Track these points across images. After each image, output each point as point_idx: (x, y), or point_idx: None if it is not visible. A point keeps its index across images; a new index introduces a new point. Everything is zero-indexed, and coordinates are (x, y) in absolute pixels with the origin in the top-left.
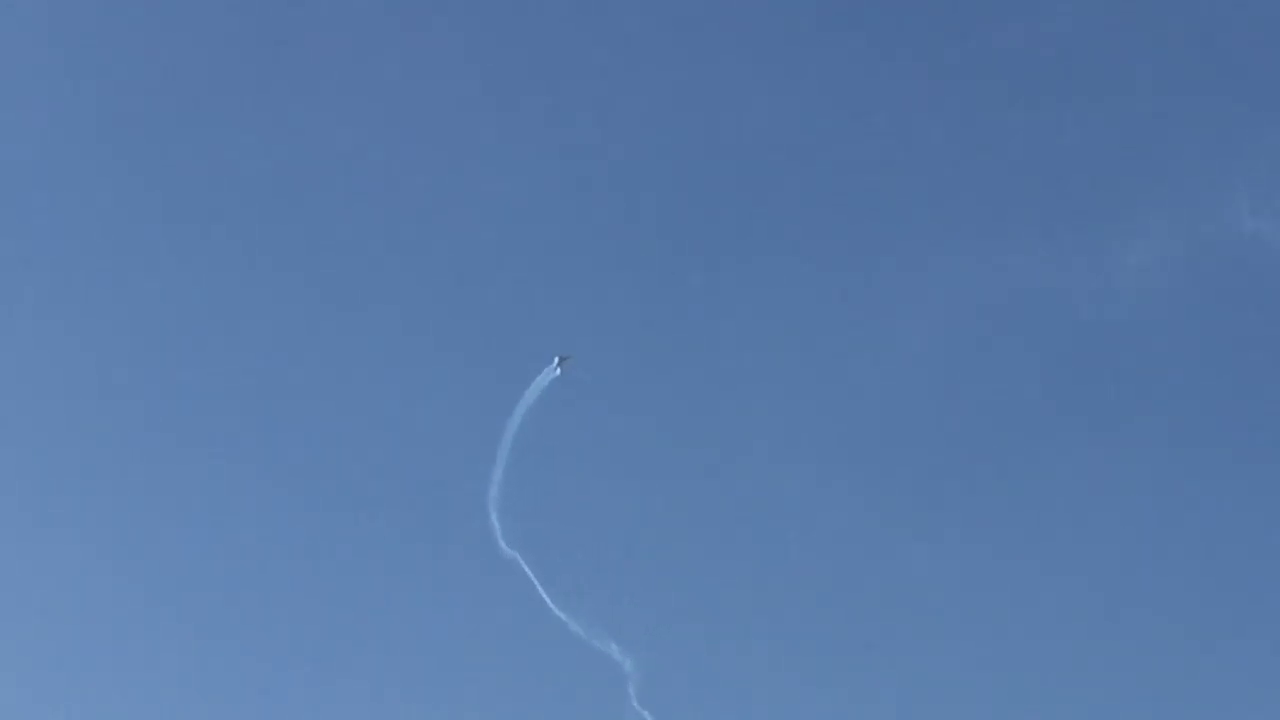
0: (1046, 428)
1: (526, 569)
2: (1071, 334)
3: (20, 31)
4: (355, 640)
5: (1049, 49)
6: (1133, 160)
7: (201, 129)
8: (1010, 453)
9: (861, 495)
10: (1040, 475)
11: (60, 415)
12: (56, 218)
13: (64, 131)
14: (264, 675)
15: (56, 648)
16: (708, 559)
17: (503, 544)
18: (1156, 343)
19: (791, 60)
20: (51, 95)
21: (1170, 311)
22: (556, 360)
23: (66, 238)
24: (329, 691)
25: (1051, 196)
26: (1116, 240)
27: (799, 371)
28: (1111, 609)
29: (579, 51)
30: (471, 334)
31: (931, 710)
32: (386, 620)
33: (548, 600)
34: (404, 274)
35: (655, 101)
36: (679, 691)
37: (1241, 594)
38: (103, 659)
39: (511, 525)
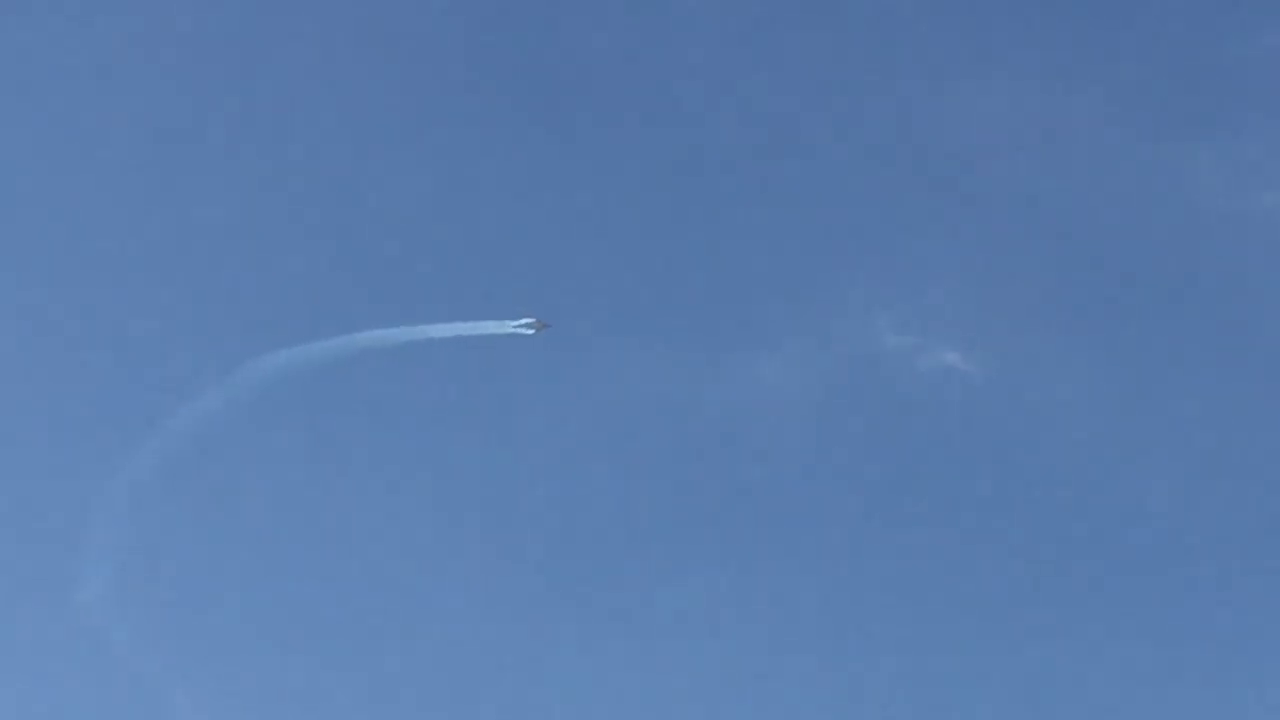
0: (670, 536)
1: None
2: (702, 444)
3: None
4: None
5: (700, 154)
6: (771, 276)
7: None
8: (629, 560)
9: (482, 594)
10: (659, 586)
11: None
12: None
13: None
14: None
15: None
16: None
17: None
18: (788, 455)
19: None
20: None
21: (803, 425)
22: (533, 320)
23: None
24: None
25: (685, 308)
26: (751, 354)
27: (427, 467)
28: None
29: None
30: None
31: None
32: None
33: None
34: None
35: None
36: None
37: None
38: None
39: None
